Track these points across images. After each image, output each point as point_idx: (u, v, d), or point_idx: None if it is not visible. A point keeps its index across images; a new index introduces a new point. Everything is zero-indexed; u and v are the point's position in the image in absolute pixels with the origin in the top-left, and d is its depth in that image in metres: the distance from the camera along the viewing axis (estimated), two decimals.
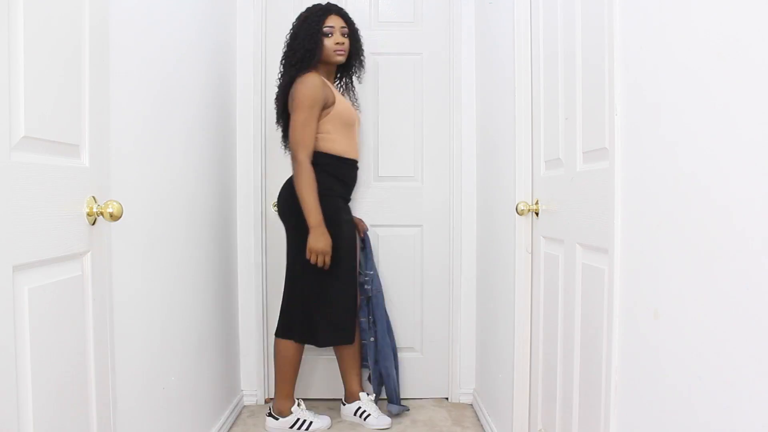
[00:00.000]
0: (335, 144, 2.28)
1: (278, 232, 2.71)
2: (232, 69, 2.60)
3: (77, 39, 1.20)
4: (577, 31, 1.48)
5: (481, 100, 2.62)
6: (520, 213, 1.85)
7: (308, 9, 2.35)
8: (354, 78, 2.48)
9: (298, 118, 2.20)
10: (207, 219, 2.22)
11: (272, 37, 2.70)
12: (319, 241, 2.17)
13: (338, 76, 2.48)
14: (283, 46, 2.36)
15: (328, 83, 2.31)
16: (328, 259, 2.19)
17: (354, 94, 2.50)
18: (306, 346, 2.40)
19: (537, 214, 1.84)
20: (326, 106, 2.25)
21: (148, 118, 1.65)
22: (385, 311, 2.55)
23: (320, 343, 2.33)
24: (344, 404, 2.52)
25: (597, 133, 1.35)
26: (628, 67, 1.17)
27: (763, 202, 0.77)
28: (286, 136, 2.39)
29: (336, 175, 2.30)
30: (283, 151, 2.54)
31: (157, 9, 1.71)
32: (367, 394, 2.49)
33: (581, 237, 1.46)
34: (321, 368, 2.75)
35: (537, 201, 1.84)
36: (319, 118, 2.24)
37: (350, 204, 2.45)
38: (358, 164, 2.43)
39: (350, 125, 2.32)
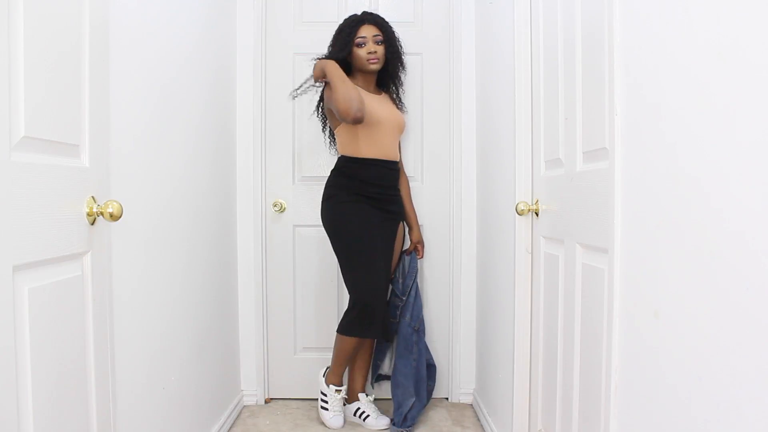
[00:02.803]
0: (345, 147, 2.37)
1: (278, 232, 2.72)
2: (232, 70, 2.60)
3: (77, 40, 1.20)
4: (577, 30, 1.48)
5: (481, 100, 2.62)
6: (520, 213, 1.85)
7: (344, 20, 2.41)
8: (397, 81, 2.51)
9: (331, 96, 2.24)
10: (207, 219, 2.22)
11: (272, 39, 2.70)
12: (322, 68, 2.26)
13: (382, 81, 2.51)
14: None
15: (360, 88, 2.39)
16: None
17: (399, 97, 2.52)
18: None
19: (537, 214, 1.84)
20: None
21: (149, 120, 1.65)
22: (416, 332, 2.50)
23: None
24: (345, 404, 2.53)
25: (597, 133, 1.35)
26: (628, 67, 1.17)
27: (763, 203, 0.77)
28: (329, 133, 2.57)
29: (348, 174, 2.35)
30: (281, 152, 2.54)
31: (159, 14, 1.71)
32: (366, 395, 2.50)
33: (581, 237, 1.46)
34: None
35: (537, 201, 1.84)
36: (337, 124, 2.37)
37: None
38: (387, 163, 2.39)
39: (370, 126, 2.32)
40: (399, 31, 2.72)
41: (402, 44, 2.49)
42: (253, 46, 2.65)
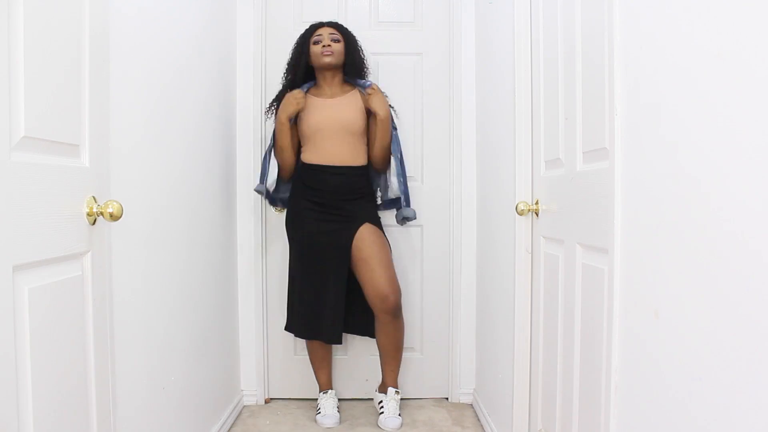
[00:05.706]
0: (303, 154, 2.49)
1: (278, 231, 2.72)
2: (232, 69, 2.60)
3: (77, 40, 1.20)
4: (577, 30, 1.48)
5: (481, 100, 2.62)
6: (520, 213, 1.85)
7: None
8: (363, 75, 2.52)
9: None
10: (207, 219, 2.22)
11: (272, 38, 2.70)
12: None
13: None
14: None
15: (312, 96, 2.47)
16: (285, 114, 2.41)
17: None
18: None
19: (537, 214, 1.84)
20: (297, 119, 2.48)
21: (149, 120, 1.65)
22: None
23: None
24: (376, 391, 2.61)
25: (597, 133, 1.35)
26: (628, 67, 1.17)
27: (763, 203, 0.77)
28: None
29: (303, 180, 2.47)
30: None
31: (160, 16, 1.71)
32: (396, 392, 2.50)
33: (581, 237, 1.46)
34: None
35: (537, 201, 1.84)
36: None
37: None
38: (333, 168, 2.41)
39: (311, 134, 2.43)
40: (399, 31, 2.73)
41: (363, 51, 2.53)
42: (253, 45, 2.65)
